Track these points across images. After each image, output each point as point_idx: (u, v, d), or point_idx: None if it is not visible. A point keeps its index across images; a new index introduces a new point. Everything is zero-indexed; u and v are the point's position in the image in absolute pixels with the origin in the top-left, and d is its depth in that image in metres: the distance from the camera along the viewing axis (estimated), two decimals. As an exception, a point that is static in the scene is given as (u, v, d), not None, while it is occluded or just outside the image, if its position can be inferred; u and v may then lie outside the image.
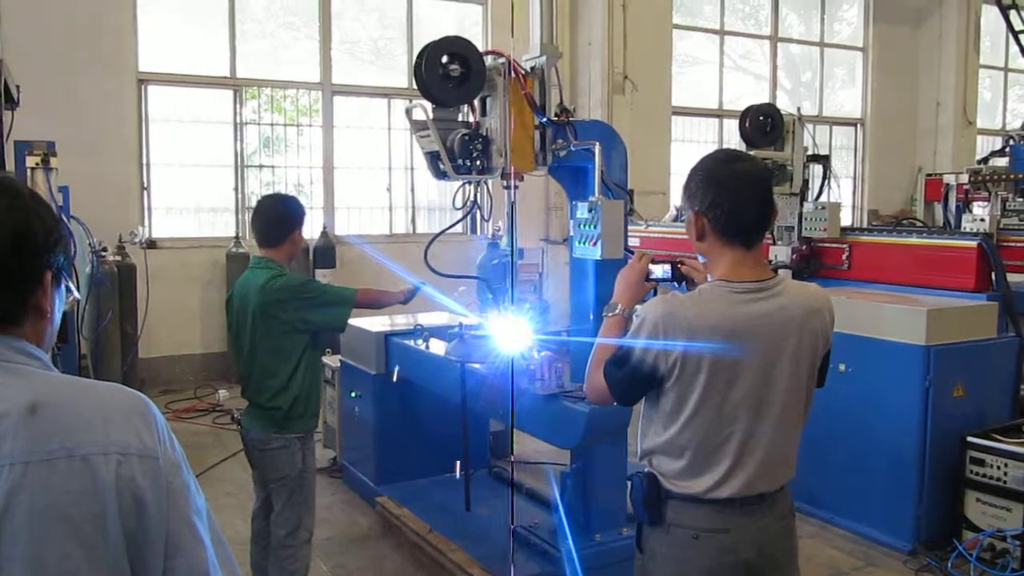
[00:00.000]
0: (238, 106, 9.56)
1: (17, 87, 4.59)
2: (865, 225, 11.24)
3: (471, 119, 4.04)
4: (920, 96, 14.47)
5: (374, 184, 10.46)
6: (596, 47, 10.75)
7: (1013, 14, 12.00)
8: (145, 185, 9.10)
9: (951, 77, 14.13)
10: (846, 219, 12.59)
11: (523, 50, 4.09)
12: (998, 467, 4.59)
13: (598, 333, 2.59)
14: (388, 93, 10.33)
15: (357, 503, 5.62)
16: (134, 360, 7.25)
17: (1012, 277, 5.68)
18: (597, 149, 3.86)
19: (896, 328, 4.84)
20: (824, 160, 6.38)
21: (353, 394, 5.74)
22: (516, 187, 4.12)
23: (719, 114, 12.68)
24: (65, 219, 5.05)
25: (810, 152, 6.27)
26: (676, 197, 11.36)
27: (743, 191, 2.29)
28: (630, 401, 2.46)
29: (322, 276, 9.46)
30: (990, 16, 14.31)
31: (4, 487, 1.20)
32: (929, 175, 12.73)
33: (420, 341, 5.20)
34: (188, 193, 9.51)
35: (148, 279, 7.57)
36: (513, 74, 3.89)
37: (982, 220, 6.75)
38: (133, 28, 8.90)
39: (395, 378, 4.93)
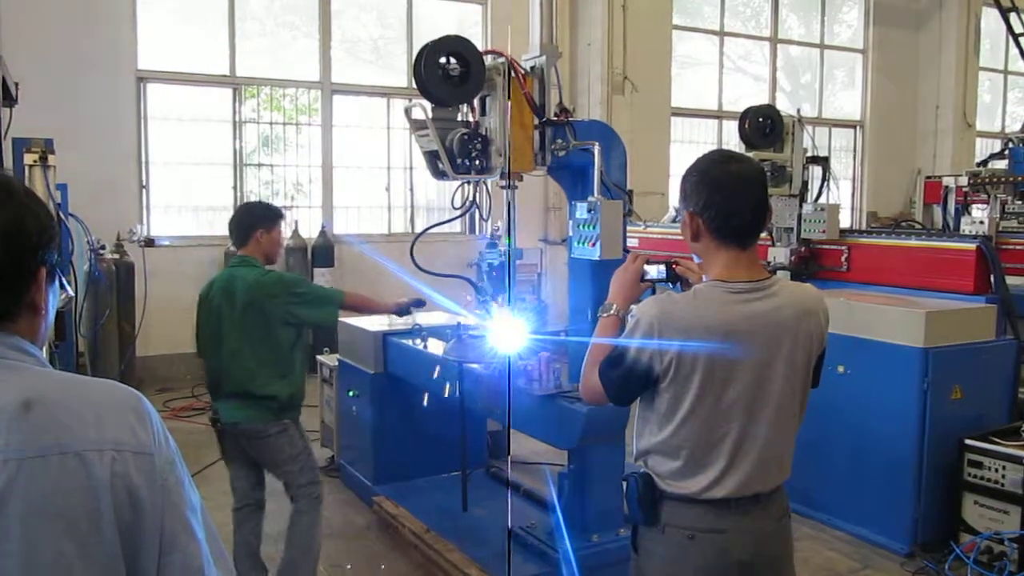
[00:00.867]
0: (237, 104, 9.56)
1: (16, 84, 4.57)
2: (864, 227, 11.23)
3: (470, 119, 4.04)
4: (920, 98, 14.48)
5: (373, 183, 10.46)
6: (596, 47, 10.75)
7: (1013, 17, 12.00)
8: (144, 183, 9.09)
9: (951, 80, 14.14)
10: (845, 221, 12.57)
11: (522, 50, 4.09)
12: (996, 470, 4.58)
13: (593, 334, 2.59)
14: (387, 92, 10.33)
15: (354, 502, 5.61)
16: (132, 358, 7.25)
17: (1011, 280, 5.67)
18: (596, 149, 3.86)
19: (895, 330, 4.84)
20: (823, 162, 6.38)
21: (351, 393, 5.73)
22: (515, 187, 4.13)
23: (718, 115, 12.69)
24: (63, 217, 5.04)
25: (809, 154, 6.27)
26: (675, 198, 11.36)
27: (737, 192, 2.30)
28: (625, 401, 2.47)
29: (320, 275, 9.47)
30: (990, 18, 14.31)
31: None
32: (928, 177, 12.74)
33: (418, 341, 5.19)
34: (186, 192, 9.51)
35: (146, 277, 7.56)
36: (513, 74, 3.89)
37: (981, 223, 6.74)
38: (132, 25, 8.90)
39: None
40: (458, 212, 4.17)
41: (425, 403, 4.79)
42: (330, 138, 10.04)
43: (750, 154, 5.98)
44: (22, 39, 8.17)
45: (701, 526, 2.28)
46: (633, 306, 2.47)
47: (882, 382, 4.88)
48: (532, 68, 4.05)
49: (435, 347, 5.04)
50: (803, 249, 6.18)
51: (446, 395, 4.60)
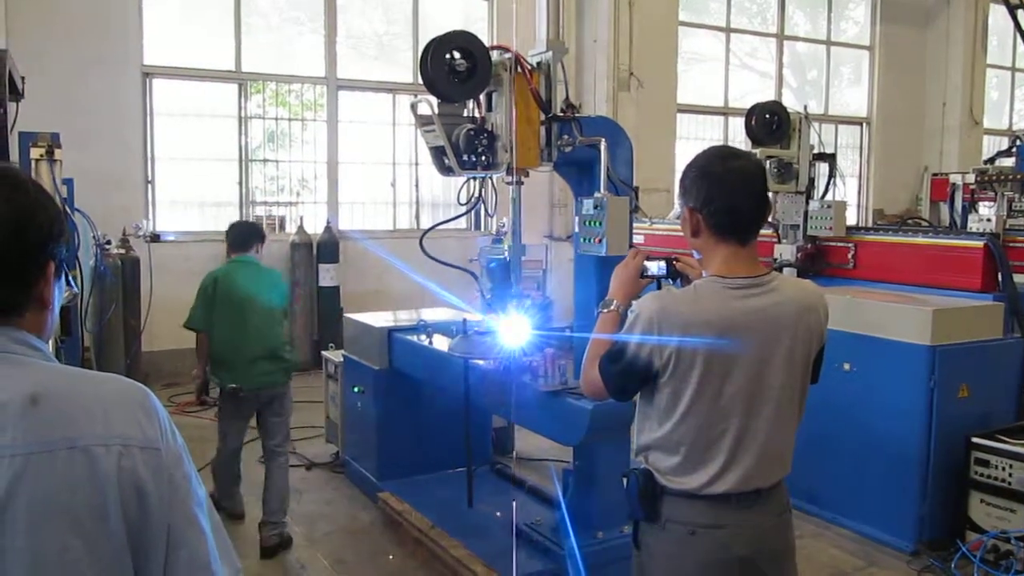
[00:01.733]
0: (243, 100, 9.55)
1: (23, 79, 4.57)
2: (870, 225, 11.20)
3: (476, 114, 4.03)
4: (927, 95, 14.43)
5: (378, 179, 10.46)
6: (602, 44, 10.72)
7: (1021, 13, 11.94)
8: (149, 179, 9.10)
9: (958, 76, 14.09)
10: (851, 218, 12.53)
11: (528, 46, 4.08)
12: (1003, 468, 4.57)
13: (594, 329, 2.58)
14: (393, 88, 10.31)
15: (359, 498, 5.61)
16: (137, 353, 7.25)
17: (1018, 278, 5.65)
18: (603, 145, 3.85)
19: (901, 328, 4.82)
20: (830, 159, 6.36)
21: (356, 389, 5.73)
22: (521, 183, 4.12)
23: (724, 112, 12.65)
24: (69, 212, 5.06)
25: (816, 150, 6.25)
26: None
27: (737, 187, 2.30)
28: (625, 396, 2.46)
29: (325, 271, 9.48)
30: (998, 15, 14.22)
31: (5, 478, 1.19)
32: (935, 175, 12.68)
33: (423, 337, 5.19)
34: (192, 187, 9.51)
35: (152, 272, 7.57)
36: (519, 69, 3.88)
37: (988, 220, 6.71)
38: (138, 21, 8.90)
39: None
40: (465, 208, 4.16)
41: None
42: (335, 134, 10.03)
43: (757, 151, 5.97)
44: (28, 35, 8.17)
45: (702, 522, 2.28)
46: (634, 302, 2.47)
47: (888, 380, 4.86)
48: (538, 64, 4.04)
49: (440, 343, 5.03)
50: (809, 246, 6.16)
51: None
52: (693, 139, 12.22)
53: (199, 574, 1.32)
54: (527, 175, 4.11)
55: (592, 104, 10.73)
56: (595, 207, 3.75)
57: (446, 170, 4.02)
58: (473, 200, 4.11)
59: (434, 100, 3.89)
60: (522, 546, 4.47)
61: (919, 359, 4.72)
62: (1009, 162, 9.32)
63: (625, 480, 2.41)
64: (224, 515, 4.93)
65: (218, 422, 5.21)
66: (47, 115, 8.06)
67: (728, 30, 12.73)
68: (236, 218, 9.50)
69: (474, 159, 3.88)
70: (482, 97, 3.98)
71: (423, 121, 4.02)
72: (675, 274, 2.62)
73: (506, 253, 4.23)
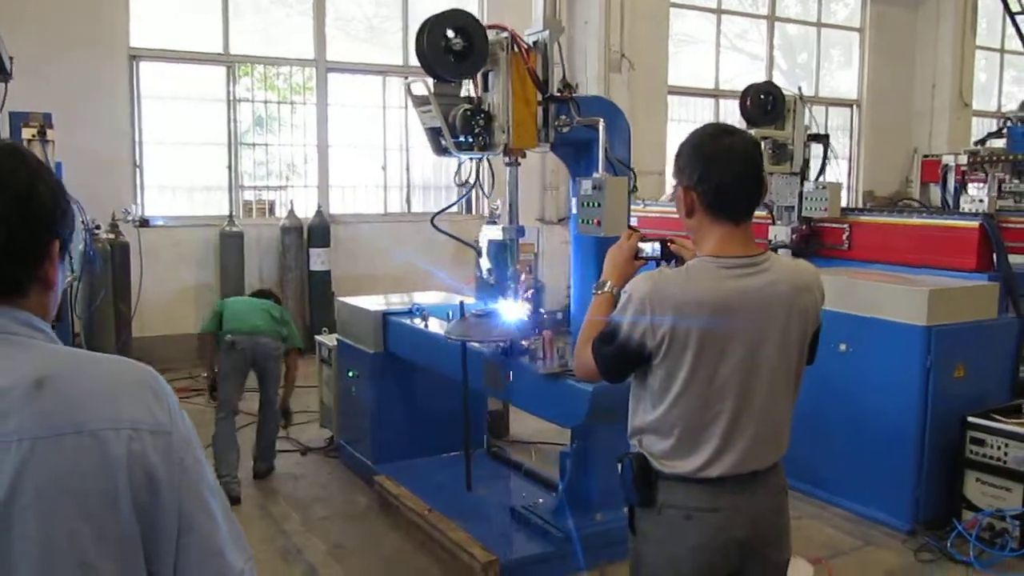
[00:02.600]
0: (231, 83, 9.45)
1: (11, 59, 4.50)
2: (860, 206, 11.21)
3: (473, 94, 3.99)
4: (916, 77, 14.43)
5: (369, 163, 10.39)
6: (593, 25, 10.65)
7: (1010, -5, 11.95)
8: (137, 163, 9.00)
9: (947, 58, 14.09)
10: (842, 200, 12.54)
11: (520, 27, 4.03)
12: (998, 447, 4.58)
13: (587, 311, 2.57)
14: (383, 70, 10.23)
15: (355, 482, 5.59)
16: (128, 339, 7.19)
17: (1013, 258, 5.65)
18: (601, 126, 3.83)
19: (897, 308, 4.82)
20: (824, 139, 6.35)
21: (350, 373, 5.70)
22: (518, 164, 4.09)
23: (715, 94, 12.62)
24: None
25: (810, 131, 6.23)
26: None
27: (731, 166, 2.27)
28: (618, 378, 2.42)
29: (316, 255, 9.42)
30: (987, -3, 14.26)
31: (12, 464, 1.16)
32: (926, 156, 12.70)
33: (418, 320, 5.16)
34: (181, 171, 9.42)
35: (141, 258, 7.50)
36: (516, 49, 3.84)
37: (980, 201, 6.72)
38: (125, 3, 8.78)
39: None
40: (465, 189, 4.12)
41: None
42: (325, 117, 9.95)
43: (752, 131, 5.94)
44: (14, 15, 8.06)
45: (697, 505, 2.27)
46: (628, 284, 2.45)
47: (884, 360, 4.86)
48: (535, 43, 4.01)
49: (436, 326, 5.01)
50: (804, 227, 6.15)
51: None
52: (684, 121, 12.19)
53: (211, 560, 1.30)
54: (524, 156, 4.09)
55: (584, 86, 10.64)
56: (593, 188, 3.73)
57: (442, 151, 3.99)
58: (470, 181, 4.07)
59: (430, 80, 3.85)
60: (519, 528, 4.47)
61: (915, 339, 4.72)
62: (1000, 143, 9.33)
63: (620, 465, 2.39)
64: None
65: (219, 385, 5.57)
66: (32, 98, 7.98)
67: (719, 11, 12.68)
68: (225, 203, 9.46)
69: (471, 140, 3.85)
70: (478, 77, 3.94)
71: (419, 101, 3.99)
72: (669, 255, 2.59)
73: (502, 235, 4.20)
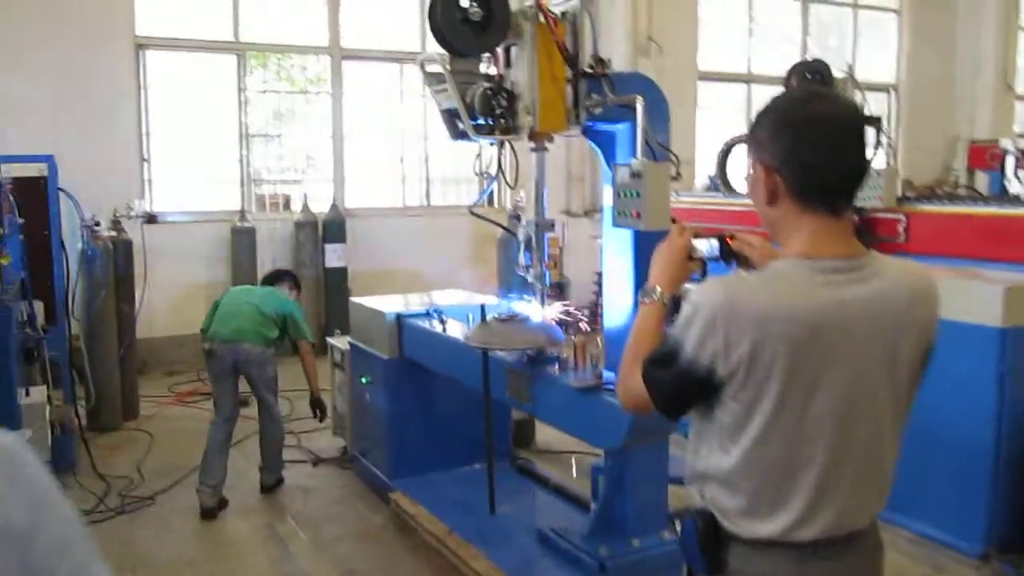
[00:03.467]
0: (241, 72, 9.06)
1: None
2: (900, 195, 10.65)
3: (493, 71, 3.54)
4: (957, 60, 13.77)
5: (386, 155, 9.97)
6: (620, 7, 10.16)
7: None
8: (145, 156, 8.63)
9: (990, 40, 13.42)
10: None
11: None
12: (1084, 463, 4.09)
13: (633, 324, 2.10)
14: (400, 58, 9.78)
15: (369, 498, 5.18)
16: (132, 341, 6.81)
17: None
18: (640, 105, 3.37)
19: (967, 308, 4.31)
20: (876, 122, 5.83)
21: (363, 380, 5.28)
22: (545, 149, 3.65)
23: (747, 79, 12.07)
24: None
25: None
26: (703, 166, 10.81)
27: (830, 140, 1.77)
28: (676, 411, 1.94)
29: (332, 251, 9.02)
30: (1031, -25, 13.59)
31: None
32: (973, 142, 12.05)
33: (436, 323, 4.73)
34: (191, 165, 9.05)
35: (146, 255, 7.12)
36: (543, 19, 3.39)
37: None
38: (130, -10, 8.40)
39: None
40: (489, 178, 3.68)
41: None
42: (340, 106, 9.53)
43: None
44: (13, 2, 7.73)
45: None
46: (690, 287, 1.97)
47: (953, 366, 4.30)
48: (563, 14, 3.55)
49: (455, 329, 4.58)
50: (856, 218, 5.65)
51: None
52: (714, 108, 11.67)
53: None
54: (551, 140, 3.64)
55: (610, 71, 10.20)
56: (632, 175, 3.28)
57: (459, 135, 3.55)
58: (491, 170, 3.62)
59: (446, 56, 3.41)
60: (548, 555, 4.03)
61: (988, 342, 4.23)
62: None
63: (678, 523, 1.93)
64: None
65: (212, 389, 5.42)
66: (36, 90, 7.65)
67: (750, -7, 12.13)
68: (237, 198, 9.08)
69: (491, 122, 3.41)
70: (500, 51, 3.50)
71: (434, 80, 3.55)
72: (730, 255, 2.14)
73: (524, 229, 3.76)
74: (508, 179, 3.74)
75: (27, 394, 4.65)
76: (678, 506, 4.51)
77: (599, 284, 10.23)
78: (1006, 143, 8.35)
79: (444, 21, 3.28)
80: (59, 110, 7.88)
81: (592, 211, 10.79)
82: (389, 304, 5.23)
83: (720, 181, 7.83)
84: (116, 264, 6.62)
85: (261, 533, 4.76)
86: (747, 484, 1.80)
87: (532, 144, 3.59)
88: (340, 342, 5.78)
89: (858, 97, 5.65)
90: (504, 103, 3.42)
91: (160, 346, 8.21)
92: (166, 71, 8.80)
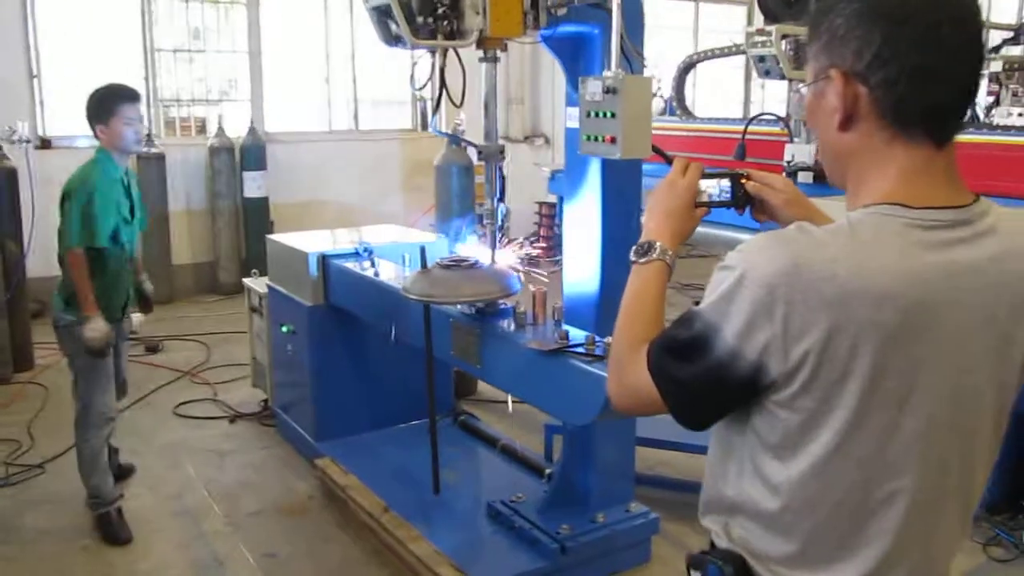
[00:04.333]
0: (145, -22, 8.07)
1: None
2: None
3: (435, -40, 2.88)
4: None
5: (310, 74, 9.12)
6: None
7: None
8: (35, 73, 7.65)
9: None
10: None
11: None
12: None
13: (625, 287, 1.54)
14: (324, -34, 8.88)
15: (293, 462, 4.60)
16: (21, 282, 6.01)
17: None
18: (615, 5, 2.73)
19: None
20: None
21: (284, 329, 4.64)
22: (497, 59, 3.01)
23: (694, -2, 11.43)
24: None
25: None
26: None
27: (943, 37, 1.21)
28: (701, 421, 1.36)
29: (252, 179, 8.24)
30: None
31: None
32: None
33: (367, 265, 4.11)
34: (90, 84, 8.06)
35: (33, 186, 6.27)
36: None
37: (1021, 115, 5.73)
38: None
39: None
40: (432, 93, 3.01)
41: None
42: (257, 18, 8.60)
43: (771, 28, 4.89)
44: None
45: None
46: (730, 255, 1.39)
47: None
48: None
49: (388, 272, 3.97)
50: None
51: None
52: (658, 28, 11.02)
53: None
54: (505, 49, 3.01)
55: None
56: (606, 91, 2.66)
57: (392, 40, 2.90)
58: (436, 83, 2.97)
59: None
60: (500, 534, 3.52)
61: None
62: (1017, 51, 8.36)
63: (698, 573, 1.40)
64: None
65: None
66: None
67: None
68: (146, 119, 8.17)
69: (433, 24, 2.76)
70: (442, -66, 2.83)
71: (360, -30, 2.87)
72: (744, 200, 1.62)
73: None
74: (451, 96, 3.09)
75: None
76: (654, 481, 4.04)
77: (540, 215, 9.67)
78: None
79: None
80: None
81: (532, 136, 10.17)
82: (312, 242, 4.58)
83: (677, 104, 7.24)
84: (-2, 196, 5.79)
85: (169, 507, 4.15)
86: (800, 524, 1.28)
87: (482, 53, 2.95)
88: (258, 284, 5.10)
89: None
90: (448, 1, 2.77)
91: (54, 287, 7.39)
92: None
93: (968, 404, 1.26)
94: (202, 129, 8.73)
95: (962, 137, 1.32)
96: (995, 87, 8.31)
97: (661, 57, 10.31)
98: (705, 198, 1.61)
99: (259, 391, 5.33)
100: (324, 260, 4.32)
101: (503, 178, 3.20)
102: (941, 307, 1.20)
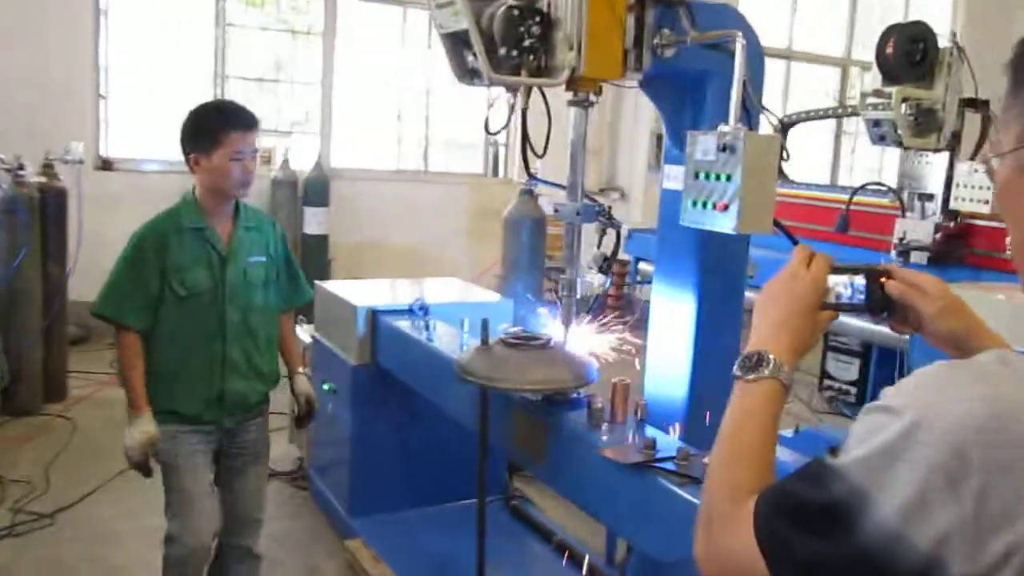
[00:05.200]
0: (221, 6, 7.88)
1: None
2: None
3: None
4: None
5: (382, 110, 8.83)
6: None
7: None
8: (102, 92, 7.47)
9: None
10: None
11: None
12: None
13: (723, 415, 1.18)
14: (403, 1, 8.61)
15: (323, 535, 4.13)
16: (62, 307, 5.71)
17: None
18: (739, 46, 2.26)
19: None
20: (982, 106, 4.73)
21: (326, 387, 4.20)
22: (590, 104, 2.56)
23: (787, 55, 10.92)
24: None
25: (966, 94, 4.61)
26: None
27: None
28: None
29: (312, 215, 7.92)
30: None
31: None
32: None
33: (421, 324, 3.65)
34: (155, 107, 7.89)
35: (81, 208, 5.99)
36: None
37: None
38: None
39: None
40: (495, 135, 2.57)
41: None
42: (332, 51, 8.35)
43: (891, 90, 4.36)
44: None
45: None
46: (892, 392, 0.92)
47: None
48: (626, -89, 2.44)
49: (445, 337, 3.49)
50: (951, 224, 4.55)
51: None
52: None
53: None
54: (600, 92, 2.55)
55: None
56: (721, 148, 2.17)
57: (467, 75, 2.46)
58: (512, 128, 2.51)
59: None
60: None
61: None
62: None
63: None
64: None
65: None
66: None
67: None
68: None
69: (517, 57, 2.31)
70: (535, -44, 2.39)
71: (437, -8, 2.44)
72: (883, 305, 1.31)
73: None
74: (532, 143, 2.64)
75: None
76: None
77: (612, 273, 9.18)
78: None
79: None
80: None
81: (608, 189, 9.69)
82: (365, 293, 4.15)
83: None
84: (44, 216, 5.50)
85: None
86: None
87: (571, 95, 2.49)
88: (303, 333, 4.69)
89: (966, 73, 4.52)
90: (536, 31, 2.32)
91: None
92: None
93: None
94: (268, 160, 8.48)
95: None
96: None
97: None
98: (833, 298, 1.29)
99: (293, 447, 4.90)
100: (374, 316, 3.88)
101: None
102: None
